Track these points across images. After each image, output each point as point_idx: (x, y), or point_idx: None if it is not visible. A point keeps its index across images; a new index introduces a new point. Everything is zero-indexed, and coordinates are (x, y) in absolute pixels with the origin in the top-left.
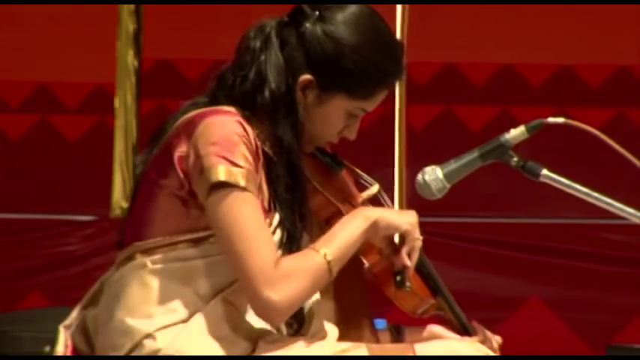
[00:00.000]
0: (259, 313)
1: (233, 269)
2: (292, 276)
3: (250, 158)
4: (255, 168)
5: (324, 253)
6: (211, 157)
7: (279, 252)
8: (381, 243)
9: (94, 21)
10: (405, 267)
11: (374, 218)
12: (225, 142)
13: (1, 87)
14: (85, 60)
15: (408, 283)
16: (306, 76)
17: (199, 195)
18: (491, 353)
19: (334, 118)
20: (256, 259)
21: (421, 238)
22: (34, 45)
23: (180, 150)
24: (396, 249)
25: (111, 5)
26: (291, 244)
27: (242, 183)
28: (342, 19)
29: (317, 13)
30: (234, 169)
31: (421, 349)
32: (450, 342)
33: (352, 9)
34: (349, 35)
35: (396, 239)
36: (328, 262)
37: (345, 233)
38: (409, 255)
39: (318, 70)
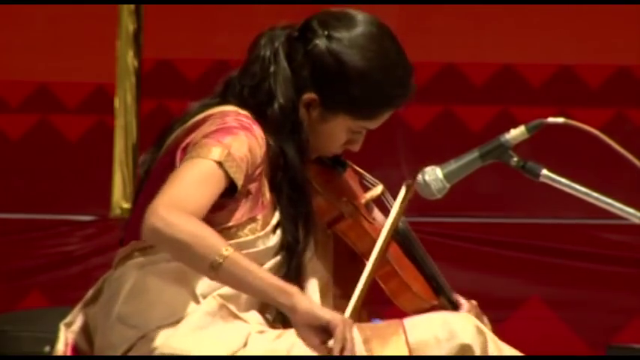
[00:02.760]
0: (144, 221)
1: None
2: (184, 224)
3: (245, 150)
4: (252, 166)
5: (227, 254)
6: (204, 139)
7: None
8: (304, 330)
9: (94, 21)
10: None
11: (298, 298)
12: (224, 131)
13: (1, 87)
14: (85, 60)
15: None
16: (310, 95)
17: None
18: (482, 326)
19: (337, 135)
20: (177, 191)
21: (352, 341)
22: (34, 45)
23: (185, 142)
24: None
25: (111, 5)
26: (291, 258)
27: (217, 158)
28: (350, 41)
29: (326, 32)
30: (217, 148)
31: (411, 323)
32: (441, 314)
33: (361, 30)
34: (356, 59)
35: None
36: (218, 256)
37: (261, 276)
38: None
39: (322, 90)
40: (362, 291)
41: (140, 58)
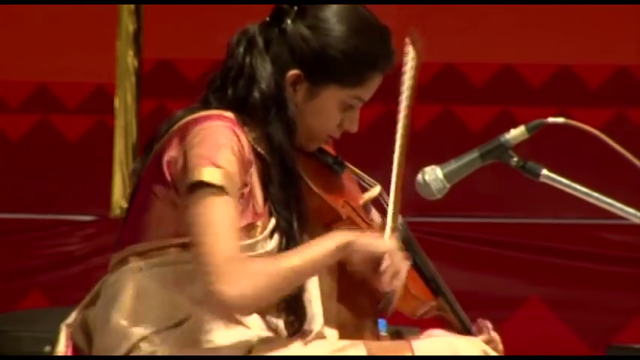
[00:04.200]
0: (213, 306)
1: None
2: (248, 274)
3: (235, 163)
4: (243, 173)
5: (288, 259)
6: (195, 158)
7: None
8: (361, 266)
9: (94, 21)
10: (387, 293)
11: (347, 240)
12: (211, 144)
13: (1, 87)
14: (85, 60)
15: (389, 308)
16: (294, 72)
17: (181, 194)
18: (489, 350)
19: (329, 111)
20: (211, 252)
21: (406, 264)
22: (34, 45)
23: (170, 155)
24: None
25: (111, 5)
26: (288, 244)
27: (219, 182)
28: (323, 10)
29: (296, 8)
30: (214, 170)
31: (418, 345)
32: (447, 338)
33: (333, 4)
34: (332, 25)
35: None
36: (291, 270)
37: (317, 248)
38: (392, 280)
39: (305, 64)
40: (395, 203)
41: (140, 58)
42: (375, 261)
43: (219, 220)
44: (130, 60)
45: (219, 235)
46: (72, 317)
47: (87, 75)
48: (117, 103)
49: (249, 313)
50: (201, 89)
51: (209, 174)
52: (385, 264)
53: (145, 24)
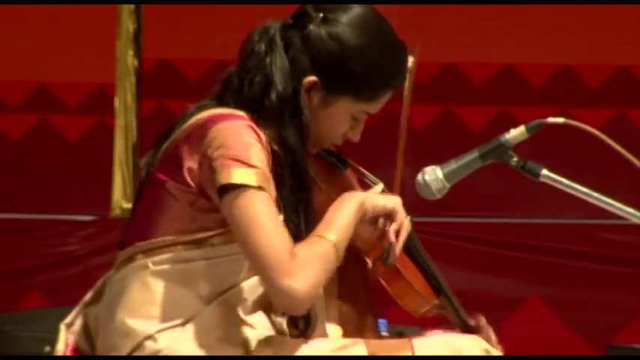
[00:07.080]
0: (282, 303)
1: (251, 265)
2: (308, 263)
3: (264, 159)
4: (269, 169)
5: (328, 237)
6: (224, 160)
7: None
8: (369, 227)
9: (94, 21)
10: (390, 244)
11: (361, 199)
12: (238, 144)
13: (1, 87)
14: (85, 60)
15: (391, 259)
16: (311, 78)
17: (213, 198)
18: (490, 348)
19: (340, 121)
20: (272, 250)
21: (408, 218)
22: (34, 45)
23: (192, 158)
24: (384, 231)
25: (111, 5)
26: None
27: (255, 183)
28: (347, 21)
29: (321, 15)
30: (248, 170)
31: (419, 343)
32: (448, 336)
33: (356, 11)
34: (354, 37)
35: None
36: (334, 245)
37: (341, 216)
38: (397, 233)
39: (324, 72)
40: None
41: (140, 58)
42: (375, 219)
43: (266, 219)
44: (130, 60)
45: (270, 232)
46: (71, 316)
47: (87, 75)
48: (117, 103)
49: (312, 300)
50: (201, 89)
51: (243, 175)
52: (397, 216)
53: (145, 24)
